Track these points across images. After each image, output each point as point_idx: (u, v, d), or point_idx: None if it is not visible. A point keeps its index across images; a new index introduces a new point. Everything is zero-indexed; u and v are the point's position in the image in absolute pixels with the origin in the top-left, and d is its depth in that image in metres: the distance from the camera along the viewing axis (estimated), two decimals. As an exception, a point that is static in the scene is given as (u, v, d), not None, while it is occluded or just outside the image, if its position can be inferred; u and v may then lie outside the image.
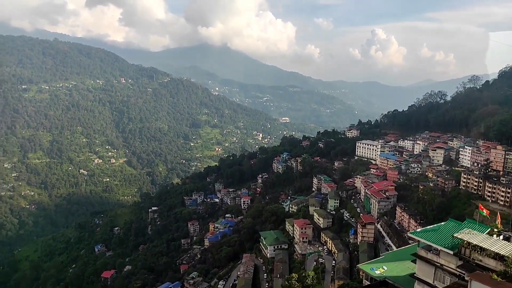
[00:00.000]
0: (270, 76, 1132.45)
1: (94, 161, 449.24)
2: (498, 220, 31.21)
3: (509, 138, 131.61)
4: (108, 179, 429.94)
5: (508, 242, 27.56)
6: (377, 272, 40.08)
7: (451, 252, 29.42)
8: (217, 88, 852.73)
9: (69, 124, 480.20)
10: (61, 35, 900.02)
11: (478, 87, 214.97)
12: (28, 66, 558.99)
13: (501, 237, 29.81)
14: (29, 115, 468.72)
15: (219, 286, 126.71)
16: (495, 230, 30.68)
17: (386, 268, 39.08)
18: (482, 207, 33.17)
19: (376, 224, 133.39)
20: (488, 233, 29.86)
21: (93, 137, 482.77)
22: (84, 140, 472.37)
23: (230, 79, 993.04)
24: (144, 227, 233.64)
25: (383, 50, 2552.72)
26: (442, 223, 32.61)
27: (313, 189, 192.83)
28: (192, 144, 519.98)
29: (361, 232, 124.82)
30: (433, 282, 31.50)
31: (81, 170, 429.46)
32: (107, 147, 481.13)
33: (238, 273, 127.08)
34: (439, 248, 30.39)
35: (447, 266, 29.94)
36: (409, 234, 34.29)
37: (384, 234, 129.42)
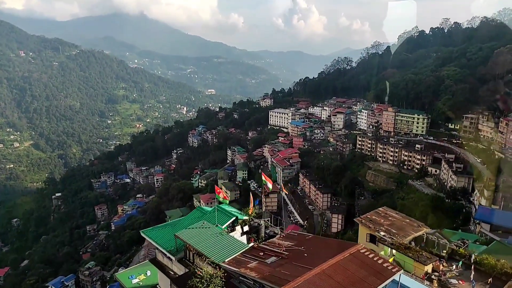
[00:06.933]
0: (194, 47, 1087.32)
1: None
2: (251, 205, 26.51)
3: (400, 100, 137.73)
4: (12, 165, 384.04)
5: (250, 233, 21.84)
6: (135, 281, 32.44)
7: (173, 258, 22.79)
8: (136, 61, 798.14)
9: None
10: None
11: (380, 53, 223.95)
12: None
13: (246, 227, 23.67)
14: None
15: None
16: (246, 217, 24.24)
17: (149, 274, 32.09)
18: (218, 190, 28.18)
19: (281, 192, 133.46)
20: (233, 222, 23.13)
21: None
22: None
23: (150, 50, 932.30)
24: (46, 216, 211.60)
25: (305, 20, 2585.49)
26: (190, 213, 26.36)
27: (228, 161, 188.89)
28: (109, 122, 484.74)
29: (265, 202, 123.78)
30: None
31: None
32: (8, 129, 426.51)
33: (140, 257, 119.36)
34: (164, 252, 23.45)
35: (179, 278, 22.56)
36: (141, 233, 26.58)
37: (288, 202, 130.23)
